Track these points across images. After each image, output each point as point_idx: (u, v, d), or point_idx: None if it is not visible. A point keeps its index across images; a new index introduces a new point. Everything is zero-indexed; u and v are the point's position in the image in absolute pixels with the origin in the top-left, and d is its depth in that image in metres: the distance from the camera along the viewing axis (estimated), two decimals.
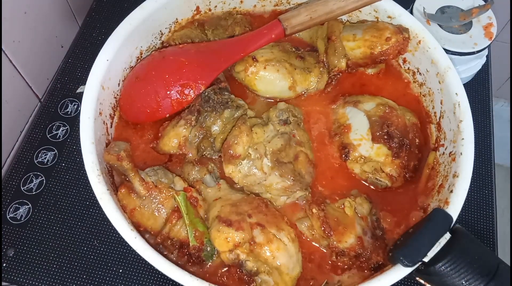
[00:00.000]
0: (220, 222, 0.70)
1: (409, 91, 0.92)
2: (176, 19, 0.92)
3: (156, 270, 0.65)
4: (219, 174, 0.80)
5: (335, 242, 0.74)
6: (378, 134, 0.81)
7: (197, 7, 0.93)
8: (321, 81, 0.87)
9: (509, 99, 1.67)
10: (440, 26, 1.00)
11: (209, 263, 0.73)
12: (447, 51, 0.90)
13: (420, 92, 0.91)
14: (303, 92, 0.88)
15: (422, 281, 0.68)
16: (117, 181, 0.78)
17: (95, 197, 0.69)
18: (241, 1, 0.96)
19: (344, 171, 0.83)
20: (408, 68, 0.92)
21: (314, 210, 0.75)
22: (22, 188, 0.87)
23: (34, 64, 0.98)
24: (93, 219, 0.85)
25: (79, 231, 0.84)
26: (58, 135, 0.93)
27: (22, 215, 0.85)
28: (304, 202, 0.79)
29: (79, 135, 0.73)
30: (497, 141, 1.01)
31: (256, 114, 0.84)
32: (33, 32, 0.95)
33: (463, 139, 0.78)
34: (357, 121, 0.83)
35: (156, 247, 0.71)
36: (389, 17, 0.90)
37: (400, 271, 0.67)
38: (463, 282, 0.63)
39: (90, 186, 0.70)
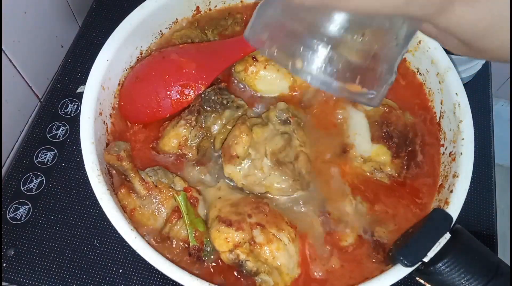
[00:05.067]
0: (220, 222, 0.70)
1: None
2: (176, 19, 0.92)
3: (156, 270, 0.65)
4: (219, 174, 0.80)
5: (335, 242, 0.74)
6: (377, 134, 0.81)
7: (197, 7, 0.94)
8: None
9: (509, 99, 1.67)
10: None
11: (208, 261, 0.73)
12: (447, 51, 0.90)
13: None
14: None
15: (422, 281, 0.68)
16: (116, 182, 0.78)
17: (95, 197, 0.69)
18: (241, 1, 0.96)
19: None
20: (408, 68, 0.92)
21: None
22: (22, 188, 0.87)
23: (34, 64, 0.98)
24: (93, 219, 0.85)
25: (79, 231, 0.84)
26: (58, 135, 0.93)
27: (22, 215, 0.85)
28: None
29: (79, 135, 0.73)
30: (497, 141, 1.01)
31: (256, 114, 0.84)
32: (33, 32, 0.95)
33: (463, 139, 0.78)
34: (357, 121, 0.84)
35: (156, 247, 0.71)
36: None
37: (400, 271, 0.67)
38: (463, 282, 0.63)
39: (90, 186, 0.70)
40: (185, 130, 0.78)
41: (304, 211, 0.77)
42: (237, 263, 0.70)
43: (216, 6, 0.95)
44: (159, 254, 0.66)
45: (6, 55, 0.87)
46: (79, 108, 0.96)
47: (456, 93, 0.82)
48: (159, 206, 0.73)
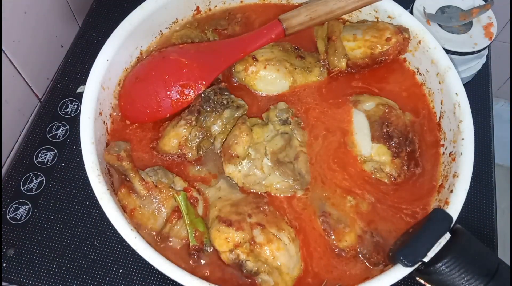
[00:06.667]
0: (220, 222, 0.70)
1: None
2: (176, 19, 0.92)
3: (156, 270, 0.65)
4: (219, 174, 0.80)
5: (335, 242, 0.74)
6: (377, 134, 0.81)
7: (197, 7, 0.94)
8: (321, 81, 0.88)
9: (509, 99, 1.67)
10: (440, 26, 1.00)
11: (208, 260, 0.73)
12: (447, 51, 0.90)
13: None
14: None
15: (422, 281, 0.68)
16: (116, 182, 0.78)
17: (95, 197, 0.69)
18: (241, 1, 0.96)
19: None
20: (408, 68, 0.92)
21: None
22: (22, 188, 0.87)
23: (34, 64, 0.98)
24: (93, 219, 0.85)
25: (79, 231, 0.84)
26: (58, 135, 0.93)
27: (22, 215, 0.85)
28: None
29: (79, 135, 0.73)
30: (497, 141, 1.01)
31: (256, 114, 0.84)
32: (33, 32, 0.95)
33: (463, 139, 0.78)
34: (357, 121, 0.84)
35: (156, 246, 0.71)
36: (389, 17, 0.90)
37: (400, 271, 0.67)
38: (463, 282, 0.63)
39: (90, 186, 0.70)
40: (185, 130, 0.78)
41: (304, 211, 0.77)
42: (237, 263, 0.70)
43: (216, 6, 0.95)
44: (159, 254, 0.66)
45: (6, 55, 0.87)
46: (79, 108, 0.96)
47: (456, 93, 0.82)
48: (159, 206, 0.73)
